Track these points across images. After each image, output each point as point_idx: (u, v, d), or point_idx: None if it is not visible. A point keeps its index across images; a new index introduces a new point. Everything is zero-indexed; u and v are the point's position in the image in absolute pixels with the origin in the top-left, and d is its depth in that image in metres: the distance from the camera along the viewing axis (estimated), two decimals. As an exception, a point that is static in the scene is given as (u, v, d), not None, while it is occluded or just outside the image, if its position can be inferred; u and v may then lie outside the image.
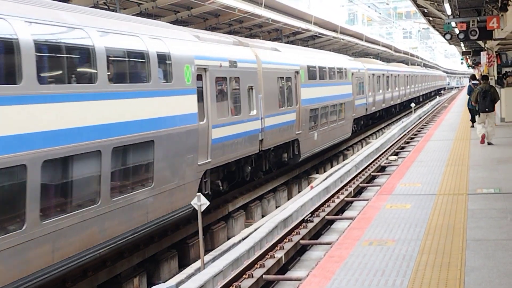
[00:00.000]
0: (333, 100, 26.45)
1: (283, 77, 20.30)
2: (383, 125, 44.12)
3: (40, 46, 9.02)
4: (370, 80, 36.69)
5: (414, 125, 36.51)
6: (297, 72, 21.66)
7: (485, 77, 20.13)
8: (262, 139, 18.04)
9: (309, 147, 22.72)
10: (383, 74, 42.37)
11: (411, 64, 75.17)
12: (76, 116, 9.58)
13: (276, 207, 19.12)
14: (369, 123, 40.36)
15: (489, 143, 18.25)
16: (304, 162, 24.15)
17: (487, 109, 18.22)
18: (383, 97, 42.13)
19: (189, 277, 11.13)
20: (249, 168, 18.02)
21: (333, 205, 14.60)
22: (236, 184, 17.98)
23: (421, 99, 70.22)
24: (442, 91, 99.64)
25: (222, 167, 16.02)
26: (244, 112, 16.92)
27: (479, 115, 18.72)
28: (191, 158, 13.19)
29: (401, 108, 55.30)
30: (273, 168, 20.86)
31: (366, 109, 35.31)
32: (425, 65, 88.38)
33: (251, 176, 18.59)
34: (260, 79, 18.08)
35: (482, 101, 18.22)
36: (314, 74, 24.01)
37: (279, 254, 10.81)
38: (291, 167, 22.58)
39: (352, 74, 30.97)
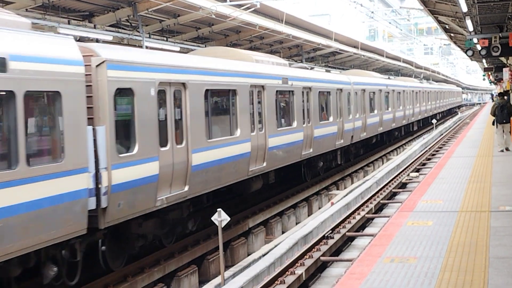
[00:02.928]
0: None
1: None
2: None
3: None
4: (193, 105, 13.11)
5: (436, 141, 36.30)
6: None
7: (501, 94, 22.72)
8: None
9: None
10: (290, 92, 19.02)
11: (402, 75, 58.15)
12: None
13: (297, 223, 19.06)
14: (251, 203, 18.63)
15: (507, 149, 20.66)
16: (324, 178, 23.98)
17: (504, 121, 20.64)
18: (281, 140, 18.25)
19: (209, 293, 11.14)
20: None
21: (353, 221, 14.54)
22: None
23: (415, 127, 48.97)
24: (458, 110, 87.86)
25: None
26: None
27: (496, 126, 21.08)
28: None
29: (363, 152, 31.86)
30: None
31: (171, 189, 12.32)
32: (426, 78, 68.50)
33: None
34: None
35: (500, 114, 20.70)
36: None
37: (300, 270, 10.78)
38: (311, 183, 22.32)
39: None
